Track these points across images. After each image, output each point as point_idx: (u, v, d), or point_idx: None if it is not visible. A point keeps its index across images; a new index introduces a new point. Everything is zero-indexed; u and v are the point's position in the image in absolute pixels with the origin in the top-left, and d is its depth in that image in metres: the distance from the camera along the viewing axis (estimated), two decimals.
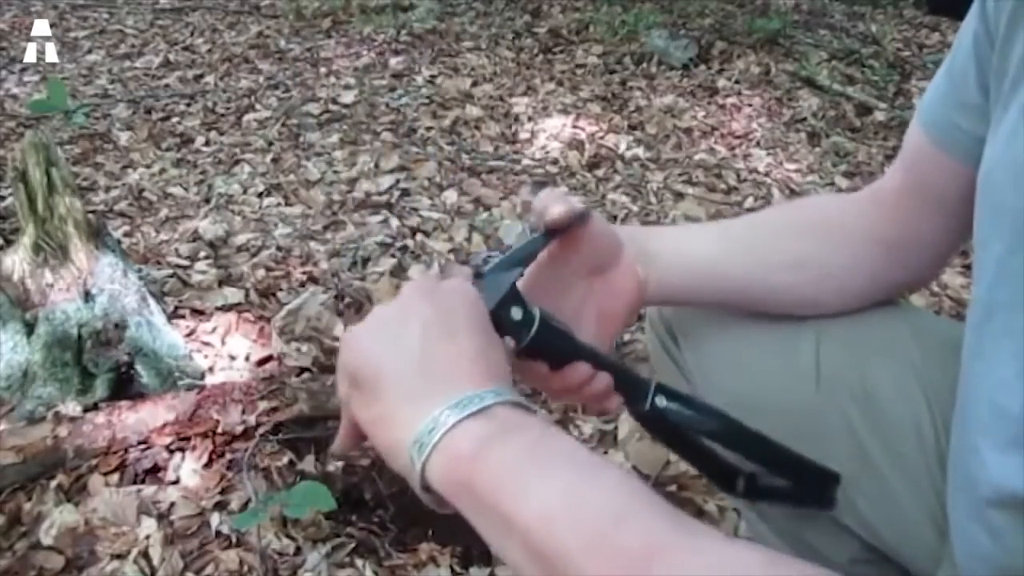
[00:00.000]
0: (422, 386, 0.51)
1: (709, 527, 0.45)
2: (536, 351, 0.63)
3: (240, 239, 2.31)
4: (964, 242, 0.74)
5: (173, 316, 1.86)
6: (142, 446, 1.46)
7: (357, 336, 0.56)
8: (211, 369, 1.73)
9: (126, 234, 2.32)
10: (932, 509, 0.71)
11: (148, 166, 2.84)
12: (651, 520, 0.44)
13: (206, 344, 1.82)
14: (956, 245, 0.78)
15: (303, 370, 1.73)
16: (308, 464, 1.47)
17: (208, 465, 1.46)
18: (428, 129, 3.12)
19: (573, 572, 0.43)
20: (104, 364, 1.57)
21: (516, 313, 0.61)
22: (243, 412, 1.50)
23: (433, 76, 3.70)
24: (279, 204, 2.58)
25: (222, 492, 1.41)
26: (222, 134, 3.15)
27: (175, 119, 3.27)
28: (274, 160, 2.89)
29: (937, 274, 0.82)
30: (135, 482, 1.42)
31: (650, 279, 0.75)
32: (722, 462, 0.73)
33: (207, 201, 2.57)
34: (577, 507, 0.45)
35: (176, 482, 1.43)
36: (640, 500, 0.46)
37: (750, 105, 3.37)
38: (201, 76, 3.77)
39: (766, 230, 0.82)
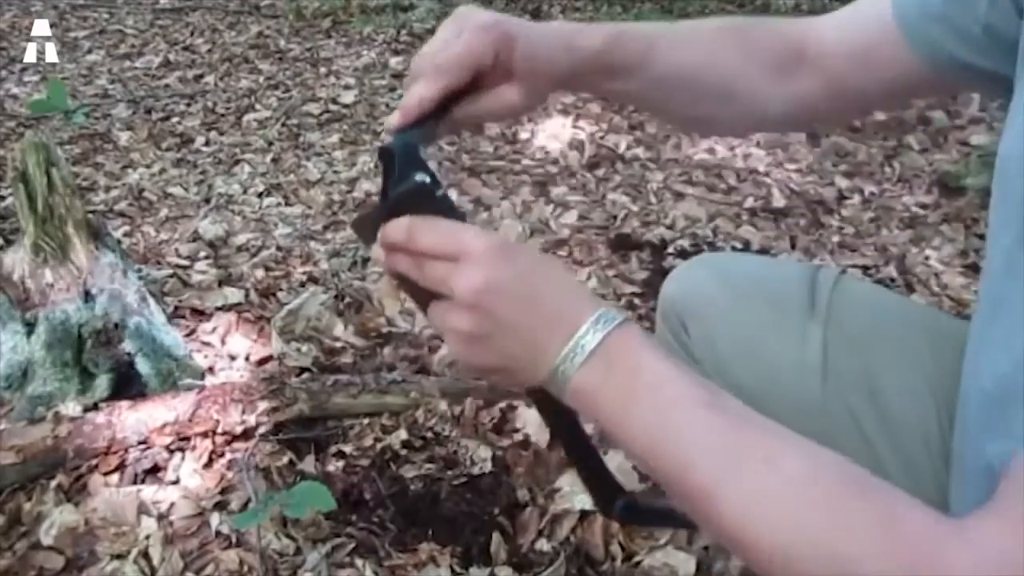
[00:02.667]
0: (572, 302, 0.57)
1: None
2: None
3: (240, 239, 2.31)
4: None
5: (173, 316, 1.86)
6: (142, 446, 1.46)
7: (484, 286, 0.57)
8: (211, 369, 1.73)
9: (126, 234, 2.32)
10: (938, 508, 0.71)
11: (148, 166, 2.84)
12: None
13: (206, 344, 1.82)
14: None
15: (303, 370, 1.73)
16: (308, 464, 1.47)
17: (208, 465, 1.46)
18: None
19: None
20: (104, 364, 1.57)
21: (421, 177, 0.59)
22: (243, 412, 1.50)
23: None
24: (279, 204, 2.58)
25: (222, 492, 1.41)
26: (222, 134, 3.15)
27: (175, 119, 3.27)
28: (274, 160, 2.89)
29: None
30: (135, 482, 1.42)
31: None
32: (610, 479, 0.70)
33: (207, 201, 2.57)
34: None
35: (176, 482, 1.43)
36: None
37: None
38: (201, 76, 3.77)
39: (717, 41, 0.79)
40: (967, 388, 0.63)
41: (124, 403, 1.51)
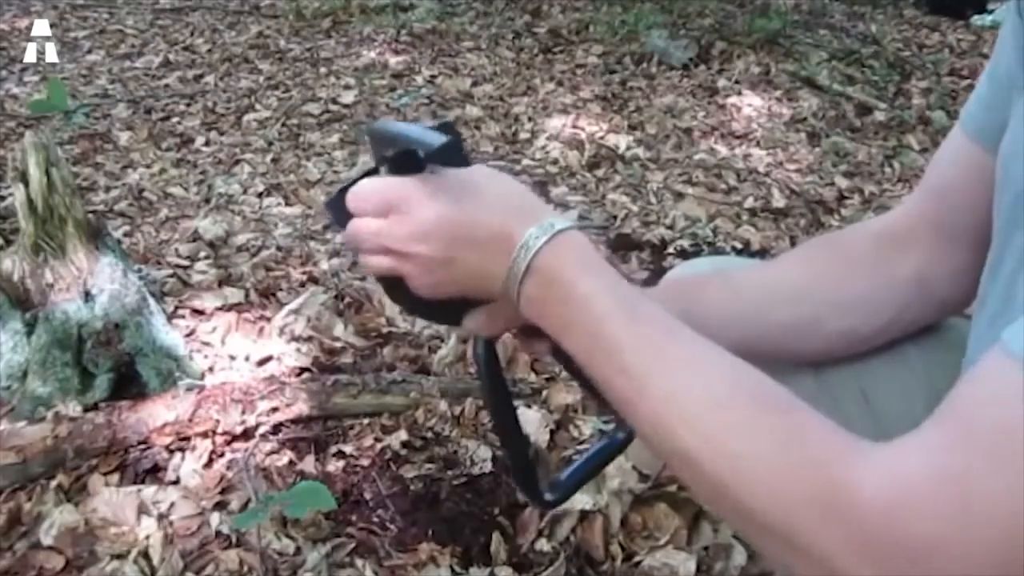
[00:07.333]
0: (504, 222, 0.58)
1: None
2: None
3: (240, 239, 2.31)
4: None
5: (173, 316, 1.86)
6: (142, 446, 1.46)
7: (428, 214, 0.59)
8: (211, 369, 1.73)
9: (126, 234, 2.32)
10: None
11: (148, 166, 2.84)
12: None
13: (206, 344, 1.81)
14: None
15: (303, 370, 1.73)
16: (308, 464, 1.47)
17: (208, 465, 1.46)
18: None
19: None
20: (104, 364, 1.57)
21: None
22: (243, 412, 1.50)
23: (433, 76, 3.70)
24: (279, 204, 2.58)
25: (222, 492, 1.41)
26: (222, 134, 3.15)
27: (175, 119, 3.27)
28: (274, 160, 2.89)
29: (968, 304, 0.75)
30: (135, 482, 1.42)
31: None
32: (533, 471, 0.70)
33: (207, 201, 2.57)
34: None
35: (176, 482, 1.43)
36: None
37: (750, 105, 3.37)
38: (201, 76, 3.77)
39: (803, 273, 0.78)
40: None
41: (124, 403, 1.51)
